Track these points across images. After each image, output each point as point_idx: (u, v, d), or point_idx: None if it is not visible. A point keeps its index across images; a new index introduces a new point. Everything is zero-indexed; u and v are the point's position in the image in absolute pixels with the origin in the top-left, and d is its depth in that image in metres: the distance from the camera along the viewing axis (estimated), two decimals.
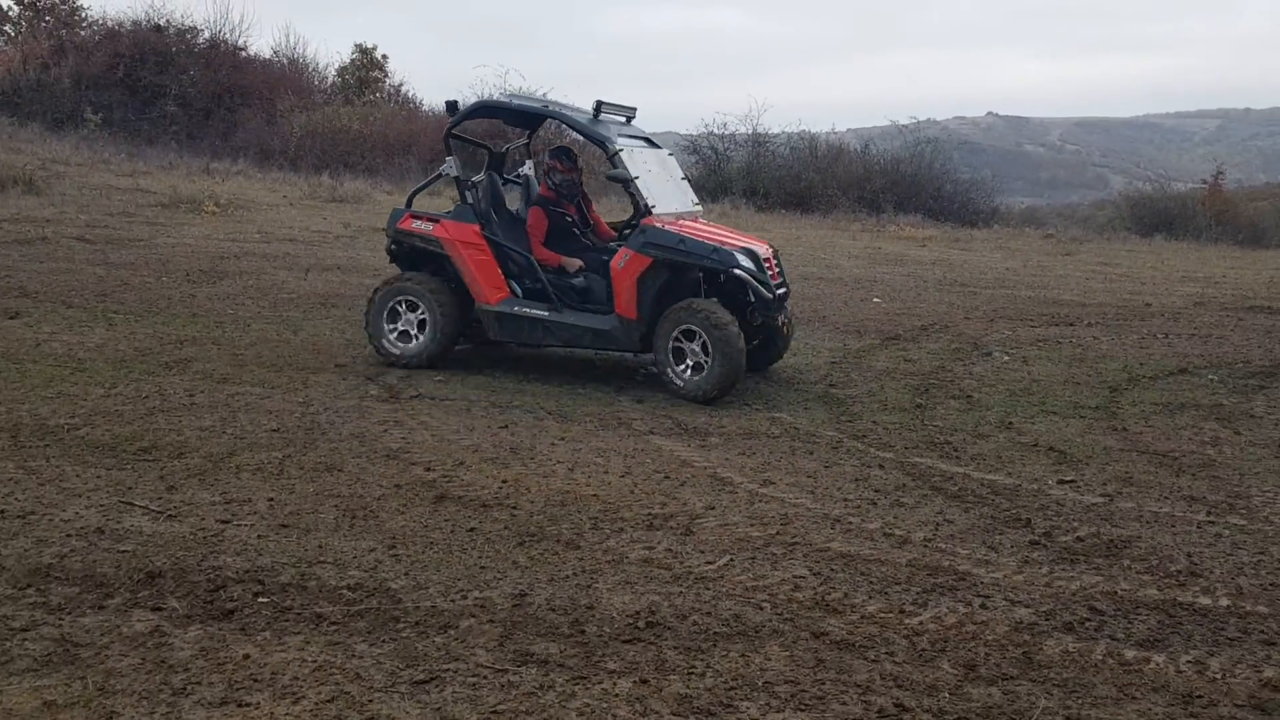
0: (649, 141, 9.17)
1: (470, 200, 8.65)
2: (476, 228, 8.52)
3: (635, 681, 3.78)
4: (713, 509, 5.69)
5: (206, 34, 32.87)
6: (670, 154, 9.34)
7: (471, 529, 5.23)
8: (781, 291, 8.43)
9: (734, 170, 31.56)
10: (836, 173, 28.80)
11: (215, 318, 10.11)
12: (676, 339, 8.00)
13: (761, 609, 4.45)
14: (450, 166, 8.73)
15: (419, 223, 8.66)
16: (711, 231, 8.53)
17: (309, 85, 34.03)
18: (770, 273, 8.28)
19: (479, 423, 7.13)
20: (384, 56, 35.59)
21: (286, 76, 33.28)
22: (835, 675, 3.88)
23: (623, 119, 9.02)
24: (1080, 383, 9.30)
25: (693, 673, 3.87)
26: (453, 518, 5.37)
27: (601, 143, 8.24)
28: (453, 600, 4.40)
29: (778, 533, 5.36)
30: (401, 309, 8.55)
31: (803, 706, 3.65)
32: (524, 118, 9.62)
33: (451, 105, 9.10)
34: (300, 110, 30.25)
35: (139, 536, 4.89)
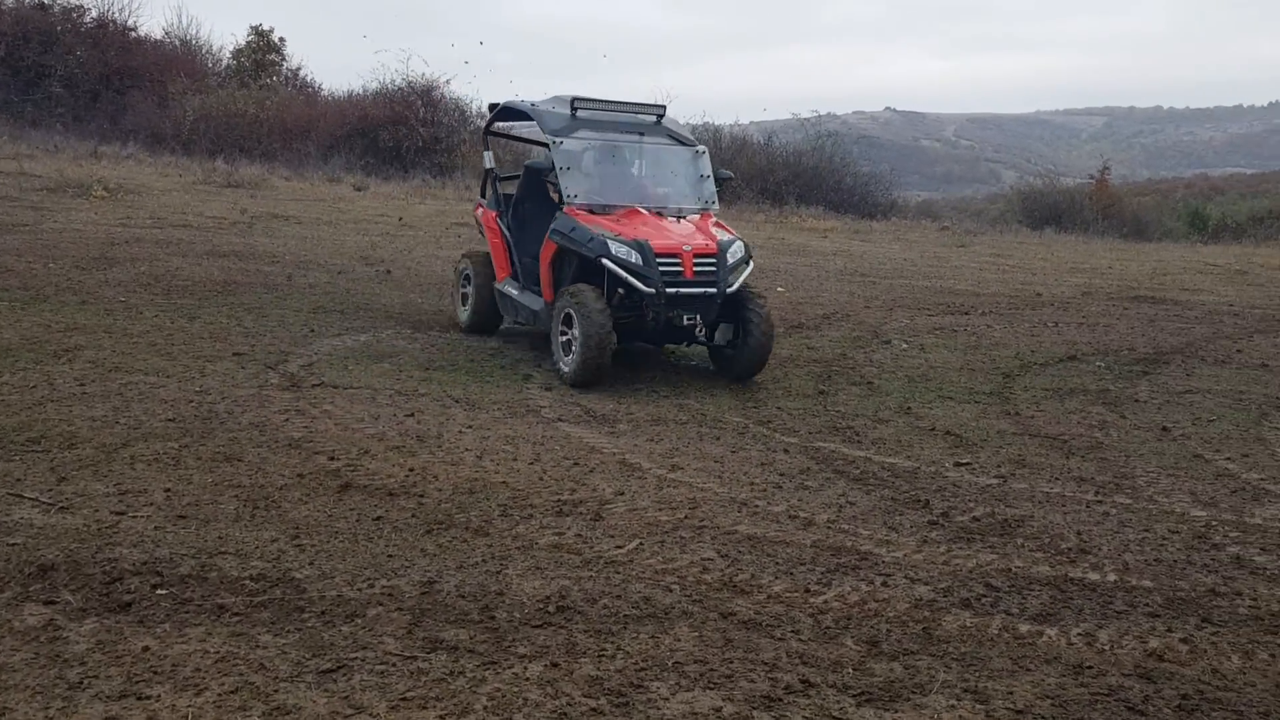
0: (643, 135, 9.14)
1: (490, 191, 9.98)
2: (495, 214, 9.74)
3: (546, 665, 3.79)
4: (622, 494, 5.71)
5: (94, 13, 31.75)
6: (701, 151, 9.17)
7: (378, 518, 5.16)
8: (699, 290, 8.12)
9: None
10: (740, 165, 29.09)
11: (106, 305, 9.76)
12: (562, 324, 8.16)
13: (671, 591, 4.49)
14: (486, 160, 10.25)
15: (479, 209, 10.20)
16: (640, 225, 8.30)
17: (202, 68, 33.07)
18: (684, 269, 8.04)
19: (384, 411, 7.04)
20: (281, 39, 34.78)
21: (179, 58, 32.28)
22: (743, 654, 3.94)
23: (617, 113, 9.15)
24: (975, 369, 9.58)
25: (603, 655, 3.89)
26: (358, 507, 5.30)
27: (546, 141, 8.78)
28: (359, 589, 4.34)
29: (686, 516, 5.41)
30: (463, 281, 10.04)
31: (711, 685, 3.71)
32: (526, 118, 10.27)
33: (491, 106, 10.37)
34: (193, 93, 29.38)
35: (29, 529, 4.71)
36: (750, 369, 8.44)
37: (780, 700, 3.62)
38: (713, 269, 8.12)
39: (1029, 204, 33.14)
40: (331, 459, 5.98)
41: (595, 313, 7.80)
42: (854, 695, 3.68)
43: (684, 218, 8.69)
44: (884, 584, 4.69)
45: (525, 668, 3.76)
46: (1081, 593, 4.70)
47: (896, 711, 3.59)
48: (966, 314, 12.69)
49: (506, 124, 10.93)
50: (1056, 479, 6.42)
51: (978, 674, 3.89)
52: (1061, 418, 7.98)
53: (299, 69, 35.25)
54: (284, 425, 6.55)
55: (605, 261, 7.96)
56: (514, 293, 9.26)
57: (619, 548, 4.97)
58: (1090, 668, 3.98)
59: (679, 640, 4.03)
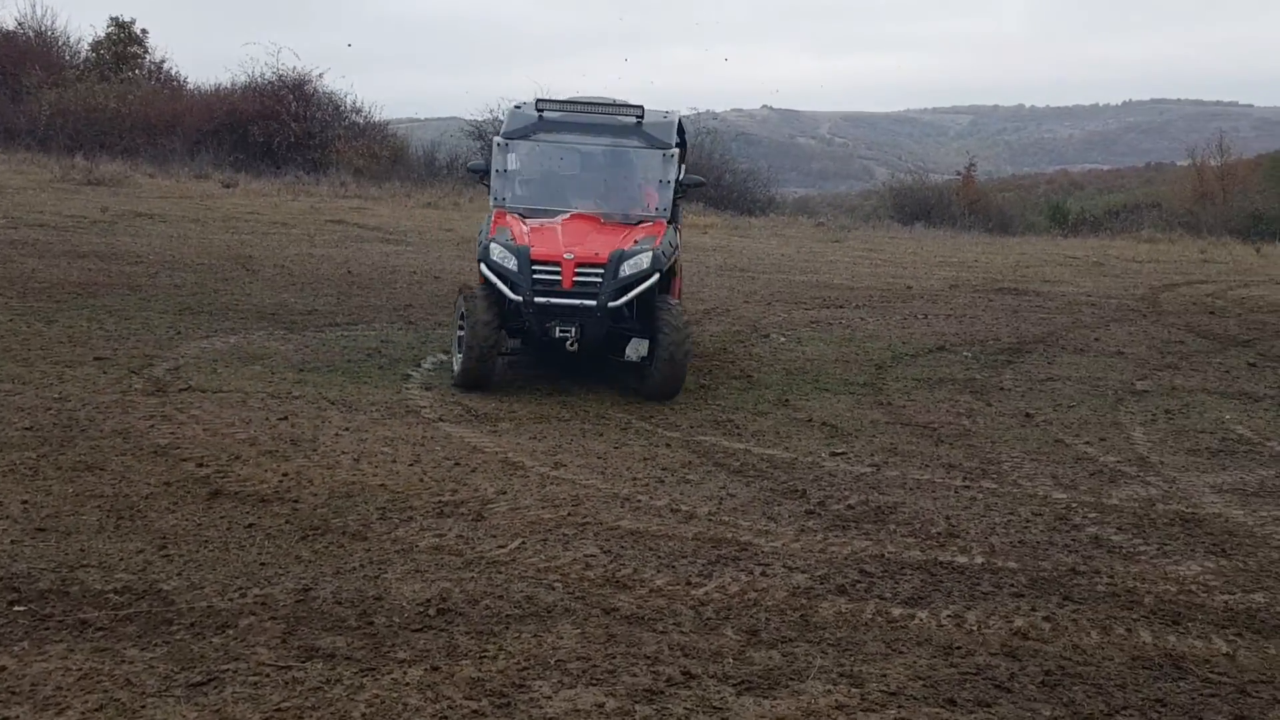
0: (615, 137, 8.81)
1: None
2: None
3: (426, 669, 3.74)
4: (504, 493, 5.68)
5: None
6: (670, 155, 8.63)
7: (250, 525, 5.02)
8: (575, 302, 7.70)
9: None
10: None
11: None
12: (460, 323, 8.01)
13: (554, 589, 4.49)
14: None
15: None
16: (553, 231, 8.07)
17: (59, 60, 31.53)
18: (563, 279, 7.68)
19: (255, 415, 6.85)
20: (144, 31, 33.38)
21: (33, 50, 30.72)
22: (625, 649, 3.96)
23: (589, 115, 8.80)
24: (850, 361, 9.82)
25: (485, 656, 3.86)
26: (229, 514, 5.14)
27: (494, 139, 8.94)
28: (230, 599, 4.22)
29: (569, 514, 5.41)
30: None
31: (594, 681, 3.71)
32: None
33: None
34: (50, 87, 28.01)
35: None
36: (659, 389, 7.87)
37: (662, 693, 3.66)
38: (595, 280, 7.71)
39: (900, 200, 34.07)
40: (200, 466, 5.79)
41: (479, 318, 7.67)
42: (734, 685, 3.74)
43: (640, 223, 8.33)
44: (763, 574, 4.77)
45: (405, 672, 3.71)
46: (950, 576, 4.86)
47: (775, 699, 3.65)
48: (841, 308, 12.99)
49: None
50: (927, 466, 6.62)
51: (853, 658, 3.99)
52: (931, 407, 8.24)
53: (163, 62, 33.89)
54: (149, 432, 6.32)
55: (481, 266, 7.95)
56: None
57: (501, 547, 4.94)
58: (959, 648, 4.12)
59: (561, 638, 4.03)
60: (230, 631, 3.94)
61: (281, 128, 28.88)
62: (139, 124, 28.08)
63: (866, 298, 13.89)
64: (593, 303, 7.71)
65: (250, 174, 25.98)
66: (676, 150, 8.73)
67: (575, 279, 7.72)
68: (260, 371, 8.03)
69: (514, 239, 7.90)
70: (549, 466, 6.18)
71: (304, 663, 3.73)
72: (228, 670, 3.65)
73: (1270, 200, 39.99)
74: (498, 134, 8.84)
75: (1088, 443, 7.34)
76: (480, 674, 3.73)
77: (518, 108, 9.00)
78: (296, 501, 5.37)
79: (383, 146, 30.72)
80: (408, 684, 3.63)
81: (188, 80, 33.20)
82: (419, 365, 8.66)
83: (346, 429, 6.70)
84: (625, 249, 7.86)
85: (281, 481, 5.64)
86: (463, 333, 7.90)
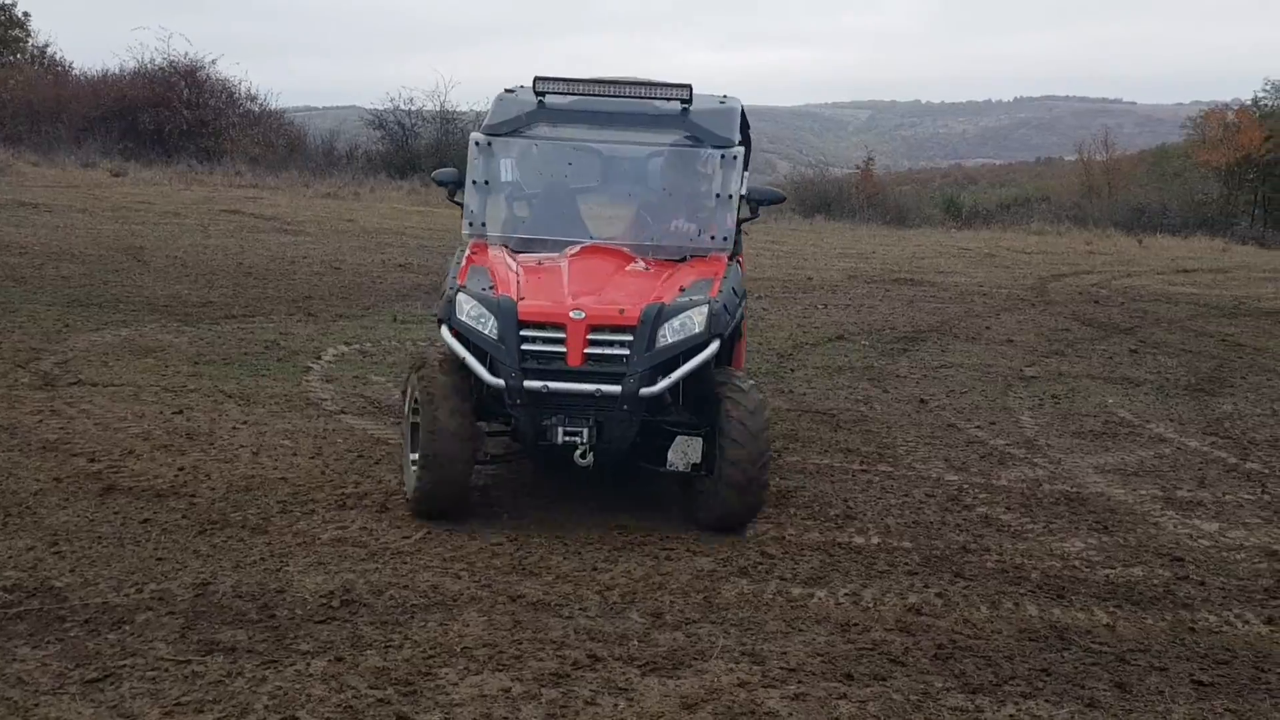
0: (649, 132, 6.09)
1: None
2: None
3: (330, 660, 3.72)
4: (405, 423, 5.62)
5: None
6: (733, 157, 5.87)
7: (145, 520, 4.91)
8: (588, 388, 4.99)
9: (422, 147, 31.07)
10: None
11: None
12: (412, 417, 5.33)
13: (460, 578, 4.49)
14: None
15: None
16: (561, 275, 5.40)
17: None
18: (569, 352, 5.02)
19: (150, 409, 6.68)
20: (25, 14, 32.15)
21: None
22: (532, 634, 3.99)
23: (612, 100, 6.00)
24: (753, 351, 9.96)
25: (390, 645, 3.86)
26: (123, 510, 5.02)
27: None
28: (126, 595, 4.13)
29: (477, 502, 5.40)
30: None
31: (500, 667, 3.74)
32: None
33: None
34: None
35: None
36: (726, 514, 5.14)
37: (568, 676, 3.70)
38: (620, 352, 5.05)
39: (801, 193, 34.58)
40: (92, 461, 5.64)
41: (441, 419, 4.93)
42: (639, 666, 3.80)
43: (688, 260, 5.70)
44: (667, 558, 4.84)
45: (308, 664, 3.68)
46: (848, 556, 5.00)
47: (679, 678, 3.72)
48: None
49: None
50: (826, 451, 6.78)
51: (754, 637, 4.09)
52: (831, 394, 8.42)
53: (47, 46, 32.69)
54: (37, 427, 6.12)
55: (444, 330, 5.22)
56: None
57: (406, 538, 4.92)
58: (856, 625, 4.25)
59: (468, 626, 4.04)
60: (126, 627, 3.86)
61: (173, 115, 28.09)
62: (21, 110, 27.04)
63: (768, 289, 14.10)
64: (616, 389, 4.97)
65: (141, 163, 25.20)
66: (741, 150, 5.93)
67: (589, 351, 5.03)
68: (153, 365, 7.82)
69: (494, 287, 5.25)
70: None
71: (204, 656, 3.68)
72: (125, 666, 3.58)
73: (1152, 194, 41.74)
74: (478, 129, 6.10)
75: (979, 427, 7.59)
76: (385, 663, 3.72)
77: (509, 92, 6.15)
78: (193, 496, 5.27)
79: (279, 135, 30.14)
80: (311, 675, 3.61)
81: (74, 65, 32.08)
82: (319, 358, 8.52)
83: (244, 422, 6.58)
84: (666, 302, 5.16)
85: (177, 476, 5.53)
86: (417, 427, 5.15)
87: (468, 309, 5.16)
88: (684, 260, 5.69)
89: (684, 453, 5.09)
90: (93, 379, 7.27)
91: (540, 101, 5.98)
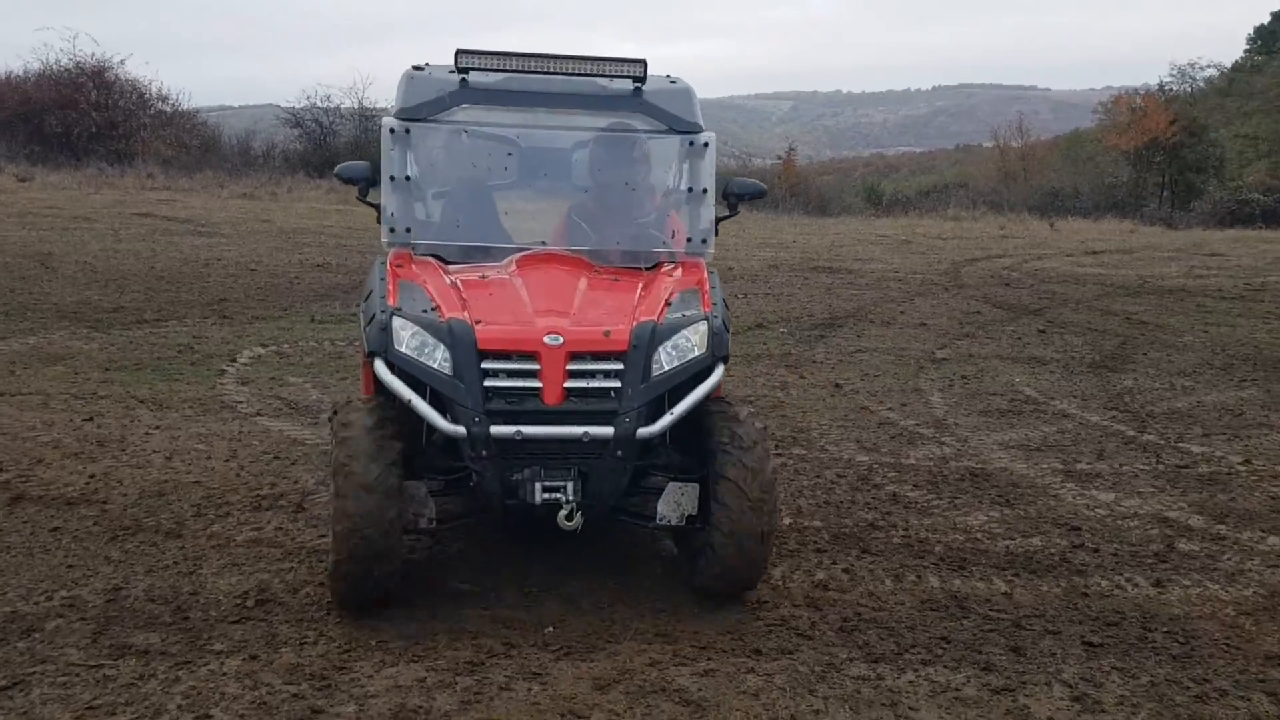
0: (598, 115, 4.97)
1: None
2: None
3: (245, 658, 3.74)
4: (325, 484, 5.64)
5: None
6: (704, 144, 4.92)
7: (55, 529, 4.86)
8: (568, 432, 4.03)
9: (341, 144, 30.71)
10: None
11: None
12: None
13: None
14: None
15: None
16: (513, 289, 4.37)
17: None
18: (544, 388, 4.05)
19: (58, 417, 6.57)
20: None
21: None
22: (449, 626, 4.04)
23: (548, 77, 4.82)
24: None
25: (305, 642, 3.88)
26: (32, 519, 4.96)
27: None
28: (36, 603, 4.10)
29: None
30: None
31: (416, 658, 3.79)
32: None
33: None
34: None
35: None
36: (727, 575, 4.24)
37: (483, 664, 3.76)
38: (610, 387, 4.12)
39: (724, 184, 34.87)
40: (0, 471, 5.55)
41: (362, 474, 3.85)
42: (553, 651, 3.88)
43: (658, 267, 4.75)
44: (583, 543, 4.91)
45: (222, 663, 3.70)
46: None
47: (592, 661, 3.81)
48: None
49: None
50: None
51: (668, 619, 4.19)
52: (749, 381, 8.58)
53: None
54: None
55: (376, 365, 4.16)
56: None
57: (323, 537, 4.92)
58: (766, 602, 4.38)
59: (384, 621, 4.08)
60: (36, 635, 3.83)
61: (81, 117, 27.41)
62: None
63: None
64: (607, 430, 4.05)
65: (48, 167, 24.56)
66: (713, 136, 5.00)
67: (570, 385, 4.08)
68: (63, 372, 7.69)
69: (437, 308, 4.21)
70: None
71: (116, 660, 3.68)
72: (35, 673, 3.56)
73: (1065, 178, 42.90)
74: (390, 114, 4.92)
75: (890, 409, 7.80)
76: (300, 659, 3.75)
77: (417, 70, 4.93)
78: (105, 503, 5.22)
79: (193, 135, 29.57)
80: (225, 674, 3.63)
81: None
82: (234, 360, 8.45)
83: (157, 427, 6.51)
84: (658, 320, 4.27)
85: (88, 483, 5.47)
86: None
87: (408, 337, 4.10)
88: (652, 268, 4.74)
89: (677, 503, 4.24)
90: None
91: (463, 80, 4.77)
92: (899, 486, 5.98)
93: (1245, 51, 55.36)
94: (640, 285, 4.54)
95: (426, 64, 5.01)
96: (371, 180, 4.76)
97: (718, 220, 4.97)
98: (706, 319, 4.32)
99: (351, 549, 3.85)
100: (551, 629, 4.06)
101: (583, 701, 3.53)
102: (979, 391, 8.45)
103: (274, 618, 4.08)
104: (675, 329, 4.25)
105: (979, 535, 5.26)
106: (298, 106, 31.78)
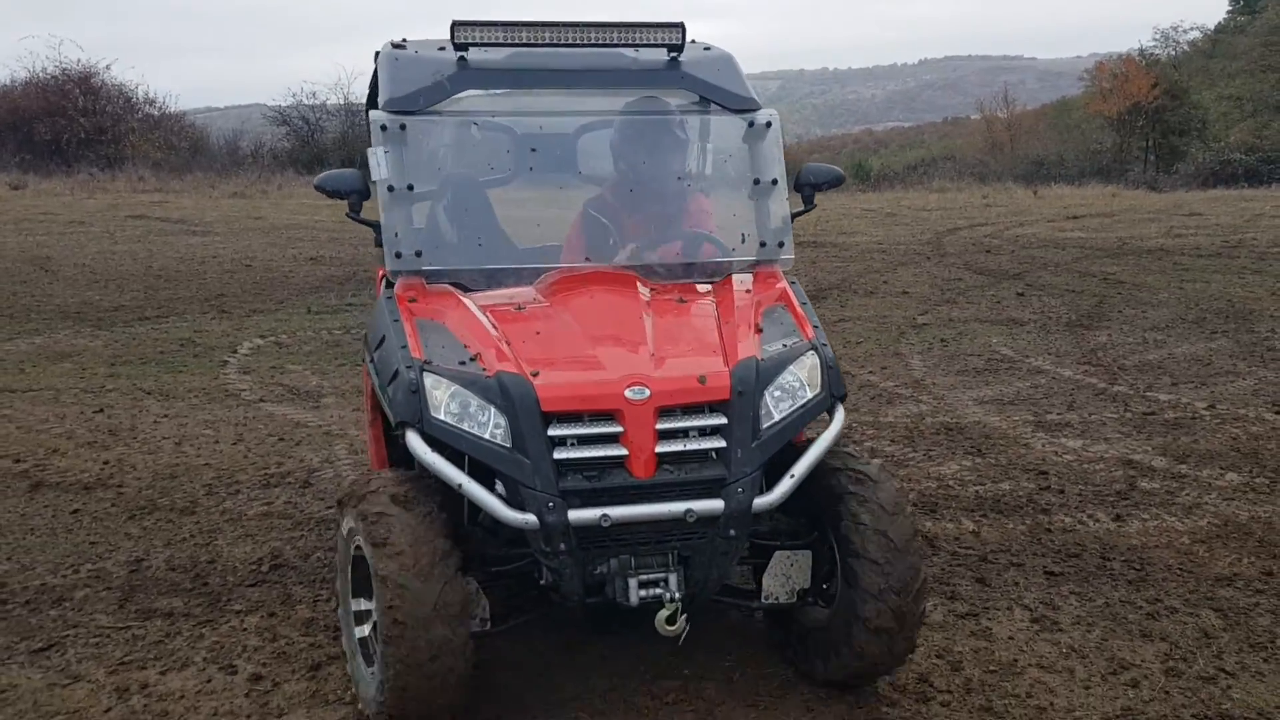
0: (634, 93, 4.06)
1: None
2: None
3: (263, 616, 4.02)
4: (330, 462, 5.92)
5: None
6: (767, 124, 4.01)
7: (75, 511, 5.13)
8: (668, 510, 3.11)
9: (329, 141, 30.91)
10: None
11: None
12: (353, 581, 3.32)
13: None
14: (375, 165, 5.35)
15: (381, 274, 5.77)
16: (558, 321, 3.45)
17: None
18: (630, 456, 3.14)
19: (70, 410, 6.84)
20: None
21: None
22: None
23: (564, 49, 3.90)
24: None
25: (319, 600, 4.17)
26: (53, 503, 5.23)
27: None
28: (64, 576, 4.38)
29: None
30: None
31: None
32: None
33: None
34: None
35: None
36: (863, 667, 3.38)
37: None
38: (712, 448, 3.23)
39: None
40: (17, 461, 5.82)
41: (411, 567, 2.98)
42: None
43: (717, 278, 3.82)
44: None
45: (243, 621, 3.98)
46: None
47: None
48: None
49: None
50: None
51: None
52: None
53: None
54: None
55: (411, 441, 3.18)
56: None
57: (329, 508, 5.19)
58: None
59: None
60: (67, 604, 4.11)
61: (70, 124, 27.60)
62: None
63: None
64: (716, 504, 3.14)
65: (40, 174, 24.75)
66: (775, 114, 4.05)
67: (663, 449, 3.18)
68: (70, 369, 7.96)
69: (477, 358, 3.25)
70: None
71: (143, 622, 3.96)
72: (69, 635, 3.84)
73: (1051, 146, 43.15)
74: (376, 107, 3.85)
75: (871, 372, 8.07)
76: (314, 614, 4.03)
77: (397, 48, 4.01)
78: (120, 486, 5.49)
79: (181, 138, 29.75)
80: (245, 630, 3.91)
81: None
82: (235, 351, 8.71)
83: (165, 416, 6.78)
84: (758, 355, 3.37)
85: (103, 470, 5.73)
86: (362, 609, 3.28)
87: (445, 400, 3.16)
88: (724, 281, 3.76)
89: (786, 576, 3.42)
90: (10, 385, 7.40)
91: (463, 57, 3.85)
92: (876, 442, 6.26)
93: (1228, 12, 55.51)
94: (714, 306, 3.62)
95: (404, 39, 4.09)
96: (363, 192, 3.73)
97: (793, 215, 3.99)
98: (814, 348, 3.47)
99: (409, 662, 2.94)
100: None
101: None
102: (957, 353, 8.73)
103: (288, 580, 4.36)
104: (780, 365, 3.37)
105: (951, 482, 5.54)
106: (284, 105, 31.99)
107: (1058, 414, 6.84)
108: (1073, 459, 5.91)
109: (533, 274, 3.73)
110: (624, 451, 3.12)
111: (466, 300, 3.52)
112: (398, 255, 3.56)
